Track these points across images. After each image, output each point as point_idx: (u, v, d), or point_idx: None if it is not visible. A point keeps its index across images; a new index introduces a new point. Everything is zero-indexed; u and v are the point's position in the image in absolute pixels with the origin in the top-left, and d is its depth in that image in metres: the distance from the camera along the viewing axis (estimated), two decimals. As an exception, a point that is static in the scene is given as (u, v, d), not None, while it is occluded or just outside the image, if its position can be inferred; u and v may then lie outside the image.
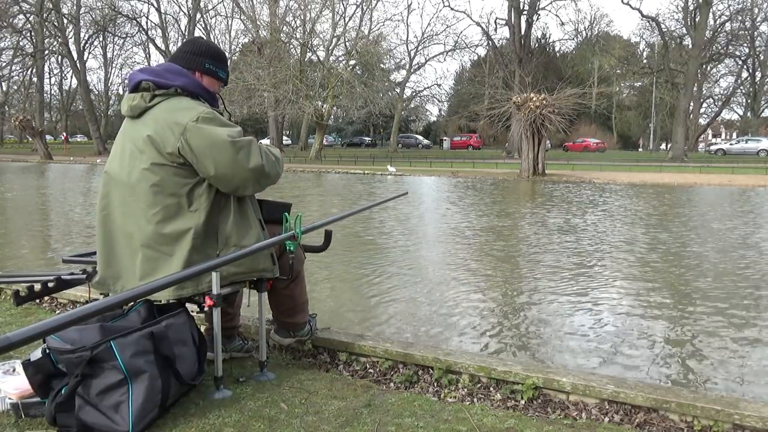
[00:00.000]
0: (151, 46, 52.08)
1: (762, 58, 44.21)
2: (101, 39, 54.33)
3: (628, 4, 36.74)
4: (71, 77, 53.04)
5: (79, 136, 68.70)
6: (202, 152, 2.19)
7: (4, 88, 51.55)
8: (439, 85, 66.94)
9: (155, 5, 47.66)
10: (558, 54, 51.94)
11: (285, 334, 2.81)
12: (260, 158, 2.28)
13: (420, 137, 60.51)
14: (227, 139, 2.20)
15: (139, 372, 2.01)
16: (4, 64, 48.27)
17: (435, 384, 2.65)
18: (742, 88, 47.91)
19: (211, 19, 51.62)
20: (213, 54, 2.45)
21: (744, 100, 49.77)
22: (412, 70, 49.68)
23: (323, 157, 34.06)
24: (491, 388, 2.56)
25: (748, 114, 48.53)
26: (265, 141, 52.68)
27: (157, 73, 2.32)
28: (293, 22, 36.95)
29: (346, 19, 37.11)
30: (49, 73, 56.02)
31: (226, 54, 2.64)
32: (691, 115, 40.89)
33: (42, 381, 2.01)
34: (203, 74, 2.42)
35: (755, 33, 42.06)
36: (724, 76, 48.66)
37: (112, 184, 2.33)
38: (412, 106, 56.55)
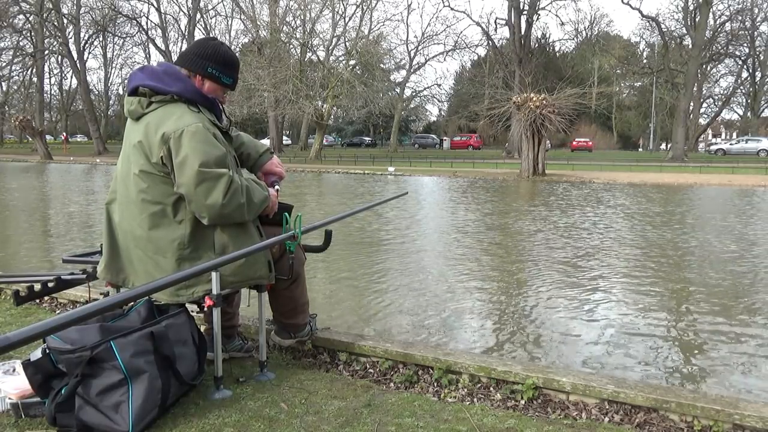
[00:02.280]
0: (151, 46, 52.18)
1: (762, 58, 44.20)
2: (101, 39, 54.37)
3: (628, 4, 36.80)
4: (71, 77, 53.14)
5: (79, 136, 68.68)
6: (174, 165, 2.18)
7: (4, 88, 51.56)
8: (439, 85, 66.85)
9: (155, 5, 47.70)
10: (558, 54, 51.93)
11: (285, 335, 2.81)
12: (221, 197, 2.18)
13: (435, 137, 60.53)
14: (196, 167, 2.15)
15: (139, 372, 2.01)
16: (4, 64, 48.27)
17: (435, 384, 2.65)
18: (742, 88, 47.91)
19: (211, 19, 51.65)
20: (218, 58, 2.37)
21: (744, 100, 49.78)
22: (412, 70, 49.68)
23: (323, 157, 34.06)
24: (491, 388, 2.56)
25: (748, 114, 48.51)
26: (265, 141, 52.65)
27: (156, 76, 2.29)
28: (293, 22, 37.01)
29: (346, 19, 37.17)
30: (49, 73, 56.10)
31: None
32: (691, 115, 40.87)
33: (42, 381, 2.00)
34: (205, 78, 2.36)
35: (755, 33, 42.09)
36: (724, 76, 48.73)
37: (118, 181, 2.36)
38: (412, 106, 56.54)
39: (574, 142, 49.98)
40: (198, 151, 2.16)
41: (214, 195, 2.17)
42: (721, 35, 38.45)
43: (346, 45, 36.06)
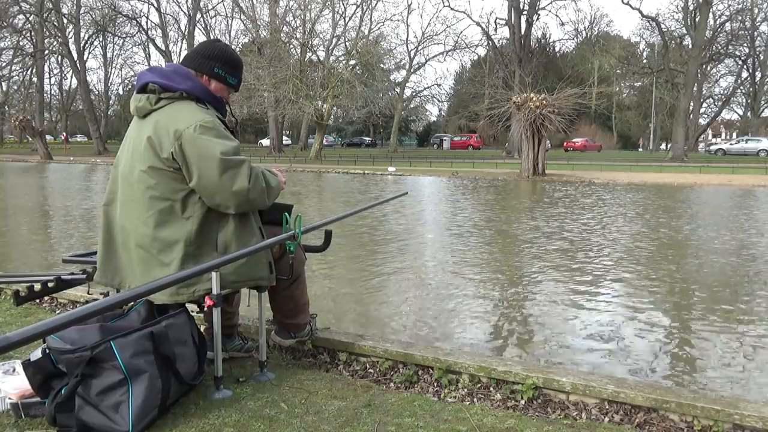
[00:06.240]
0: (151, 46, 52.18)
1: (762, 58, 44.15)
2: (101, 39, 54.33)
3: (628, 4, 36.80)
4: (71, 77, 53.11)
5: (79, 136, 68.62)
6: (191, 161, 2.18)
7: (4, 88, 51.57)
8: (439, 85, 67.17)
9: (155, 5, 47.72)
10: (558, 54, 51.97)
11: (286, 336, 2.81)
12: (247, 182, 2.22)
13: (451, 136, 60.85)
14: (218, 155, 2.17)
15: (139, 372, 2.00)
16: (4, 64, 48.29)
17: (435, 384, 2.64)
18: (742, 88, 47.85)
19: (211, 19, 51.68)
20: (224, 59, 2.41)
21: (744, 100, 49.72)
22: (412, 70, 49.73)
23: (323, 157, 34.05)
24: (491, 388, 2.56)
25: (748, 114, 48.48)
26: (265, 141, 52.64)
27: (164, 74, 2.31)
28: (293, 22, 37.03)
29: (346, 19, 37.25)
30: (49, 73, 56.10)
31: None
32: (691, 115, 40.81)
33: (42, 381, 2.00)
34: (211, 78, 2.39)
35: (755, 33, 42.06)
36: (724, 76, 48.68)
37: (119, 180, 2.35)
38: (412, 106, 56.59)
39: (578, 143, 49.81)
40: (216, 142, 2.20)
41: (240, 180, 2.21)
42: (721, 35, 38.47)
43: (346, 45, 36.15)
